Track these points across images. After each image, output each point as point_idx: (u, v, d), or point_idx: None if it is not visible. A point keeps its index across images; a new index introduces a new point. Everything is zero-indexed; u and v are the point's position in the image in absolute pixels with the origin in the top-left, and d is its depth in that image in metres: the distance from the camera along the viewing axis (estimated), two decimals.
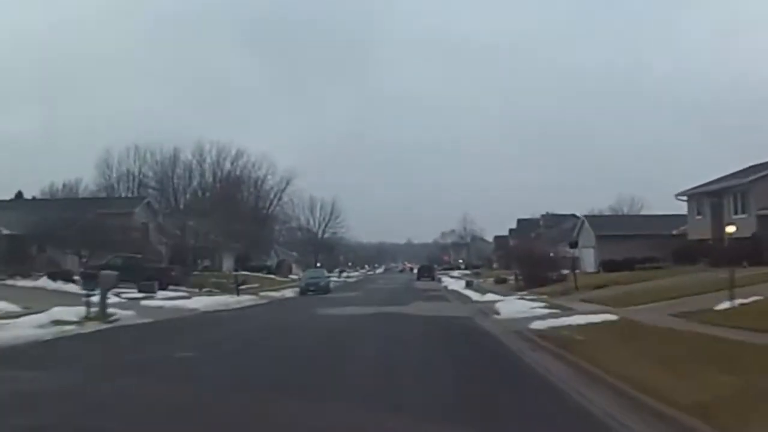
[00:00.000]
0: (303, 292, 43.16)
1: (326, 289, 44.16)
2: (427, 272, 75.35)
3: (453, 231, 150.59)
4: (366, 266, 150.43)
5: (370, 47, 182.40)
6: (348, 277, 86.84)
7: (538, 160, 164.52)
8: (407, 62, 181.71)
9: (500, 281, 49.17)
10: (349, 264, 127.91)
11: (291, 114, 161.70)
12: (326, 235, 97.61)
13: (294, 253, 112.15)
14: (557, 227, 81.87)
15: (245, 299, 34.21)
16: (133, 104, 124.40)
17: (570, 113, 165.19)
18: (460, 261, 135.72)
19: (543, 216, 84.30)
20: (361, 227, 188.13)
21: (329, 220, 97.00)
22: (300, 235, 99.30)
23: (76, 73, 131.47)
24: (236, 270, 65.30)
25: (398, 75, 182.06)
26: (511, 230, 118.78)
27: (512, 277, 44.94)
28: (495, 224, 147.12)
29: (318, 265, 70.29)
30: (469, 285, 46.42)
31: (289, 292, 44.30)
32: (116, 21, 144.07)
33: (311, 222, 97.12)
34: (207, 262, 60.90)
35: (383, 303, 30.67)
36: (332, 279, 57.08)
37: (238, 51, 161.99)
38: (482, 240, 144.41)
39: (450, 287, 49.47)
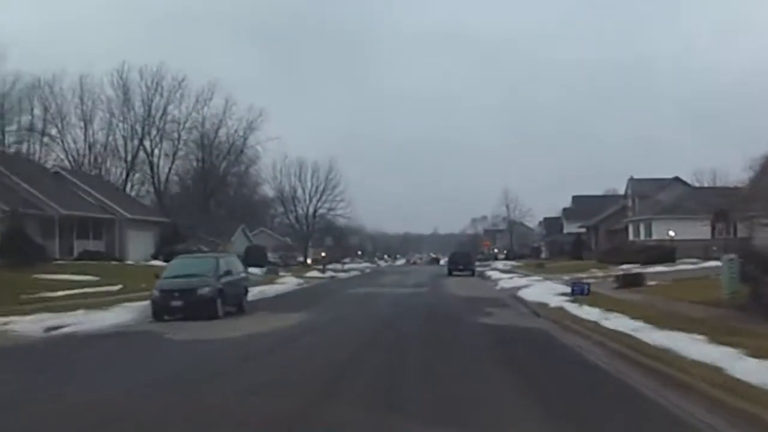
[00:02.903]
0: (157, 312, 17.63)
1: (211, 308, 17.76)
2: (462, 262, 49.17)
3: (485, 217, 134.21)
4: (386, 256, 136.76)
5: (373, 44, 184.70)
6: (347, 269, 61.60)
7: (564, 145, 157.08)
8: (417, 55, 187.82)
9: (628, 281, 23.72)
10: (359, 253, 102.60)
11: (300, 103, 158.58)
12: (321, 211, 72.45)
13: (287, 239, 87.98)
14: (650, 198, 55.71)
15: None
16: None
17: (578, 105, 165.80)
18: (495, 250, 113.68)
19: (632, 181, 58.43)
20: (385, 217, 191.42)
21: (324, 190, 71.91)
22: (285, 214, 74.78)
23: None
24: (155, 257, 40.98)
25: (408, 68, 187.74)
26: (565, 209, 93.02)
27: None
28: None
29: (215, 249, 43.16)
30: (580, 292, 19.59)
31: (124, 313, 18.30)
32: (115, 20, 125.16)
33: (300, 192, 72.19)
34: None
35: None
36: (247, 277, 22.61)
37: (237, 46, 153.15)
38: (522, 225, 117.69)
39: (525, 296, 23.76)
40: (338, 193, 71.14)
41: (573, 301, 18.04)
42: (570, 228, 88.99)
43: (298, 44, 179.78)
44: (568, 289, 20.57)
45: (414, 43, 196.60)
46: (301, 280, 37.28)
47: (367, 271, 64.32)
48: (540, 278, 33.47)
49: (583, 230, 67.82)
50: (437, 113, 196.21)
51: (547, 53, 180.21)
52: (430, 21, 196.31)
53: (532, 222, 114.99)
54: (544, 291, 23.19)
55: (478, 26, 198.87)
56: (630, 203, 59.10)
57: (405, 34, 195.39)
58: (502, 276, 40.13)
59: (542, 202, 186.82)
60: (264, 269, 48.31)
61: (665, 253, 40.51)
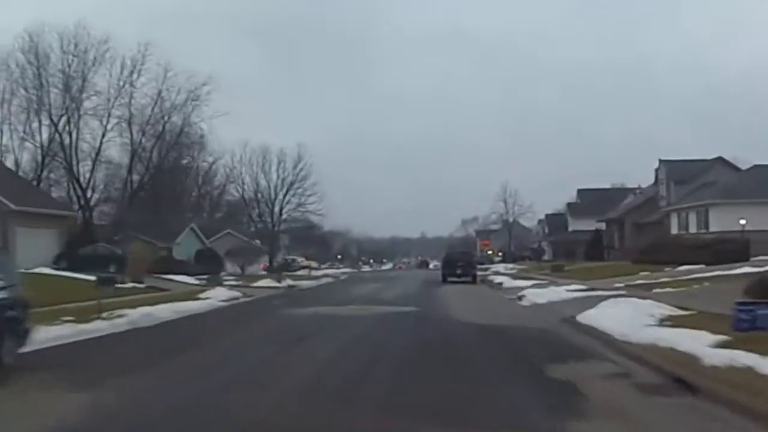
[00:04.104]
0: None
1: None
2: (461, 264, 37.10)
3: (476, 218, 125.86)
4: (371, 261, 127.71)
5: (373, 44, 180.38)
6: (316, 276, 50.20)
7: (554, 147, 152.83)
8: (408, 58, 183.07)
9: None
10: (338, 257, 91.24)
11: (291, 110, 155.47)
12: (288, 206, 60.94)
13: (257, 241, 76.51)
14: (688, 182, 44.99)
15: None
16: None
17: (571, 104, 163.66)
18: (489, 252, 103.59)
19: (665, 164, 47.62)
20: (371, 222, 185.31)
21: (293, 183, 60.38)
22: (246, 210, 63.51)
23: None
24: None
25: (405, 68, 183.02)
26: (570, 205, 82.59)
27: None
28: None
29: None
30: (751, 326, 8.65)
31: None
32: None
33: (264, 185, 60.68)
34: None
35: None
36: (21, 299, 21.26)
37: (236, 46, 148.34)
38: (518, 225, 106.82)
39: (599, 324, 12.54)
40: (309, 186, 59.94)
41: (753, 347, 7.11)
42: (577, 225, 78.49)
43: (296, 43, 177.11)
44: (663, 310, 10.85)
45: (412, 43, 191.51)
46: (238, 294, 26.18)
47: (343, 278, 53.10)
48: (581, 287, 22.51)
49: (600, 225, 56.90)
50: (431, 114, 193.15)
51: (546, 53, 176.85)
52: (429, 21, 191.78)
53: (528, 221, 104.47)
54: (627, 314, 12.22)
55: (478, 26, 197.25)
56: (663, 190, 48.38)
57: (403, 33, 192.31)
58: (516, 283, 29.07)
59: (539, 203, 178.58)
60: (207, 278, 37.18)
61: (738, 248, 29.81)
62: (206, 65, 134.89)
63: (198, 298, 23.81)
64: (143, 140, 42.06)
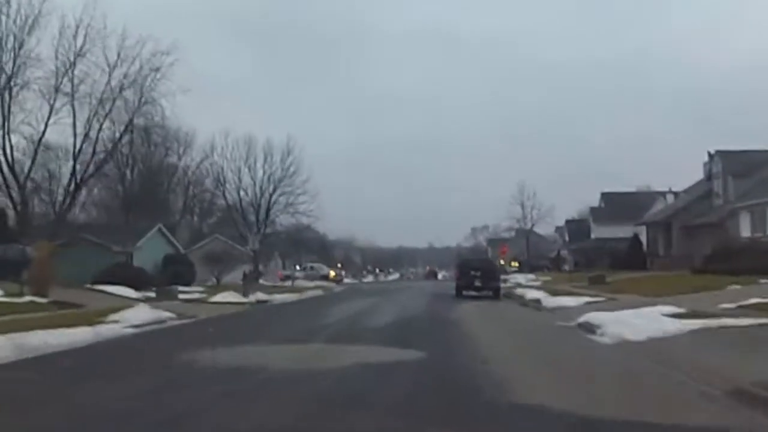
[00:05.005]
0: None
1: None
2: (482, 275, 29.41)
3: (486, 227, 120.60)
4: (377, 270, 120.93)
5: (366, 44, 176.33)
6: (299, 289, 41.96)
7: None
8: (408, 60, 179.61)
9: None
10: (339, 266, 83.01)
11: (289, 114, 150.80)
12: (277, 205, 52.67)
13: (247, 247, 68.59)
14: (748, 177, 36.99)
15: None
16: None
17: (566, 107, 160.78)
18: (501, 262, 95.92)
19: (720, 156, 39.66)
20: (378, 231, 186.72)
21: (281, 180, 52.20)
22: (228, 209, 55.69)
23: None
24: None
25: (397, 72, 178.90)
26: (594, 210, 74.89)
27: None
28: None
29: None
30: None
31: None
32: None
33: (248, 180, 52.49)
34: None
35: None
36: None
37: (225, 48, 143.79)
38: (533, 233, 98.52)
39: None
40: (299, 183, 51.92)
41: None
42: (600, 232, 70.83)
43: (281, 45, 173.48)
44: None
45: (412, 44, 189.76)
46: (167, 315, 18.28)
47: (338, 290, 45.09)
48: (676, 310, 14.52)
49: (636, 229, 48.80)
50: (433, 120, 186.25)
51: (547, 55, 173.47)
52: (429, 21, 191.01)
53: (544, 228, 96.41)
54: None
55: (469, 27, 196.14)
56: (718, 186, 40.28)
57: (390, 34, 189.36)
58: (558, 301, 20.96)
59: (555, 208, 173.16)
60: (157, 290, 29.40)
61: None
62: (186, 63, 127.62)
63: (101, 322, 15.95)
64: (94, 121, 34.24)
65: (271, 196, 52.03)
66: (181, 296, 29.72)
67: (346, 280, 68.16)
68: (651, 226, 46.78)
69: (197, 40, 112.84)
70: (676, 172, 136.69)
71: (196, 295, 29.21)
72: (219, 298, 25.94)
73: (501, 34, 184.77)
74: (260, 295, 27.99)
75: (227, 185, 53.30)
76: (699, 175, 45.72)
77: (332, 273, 57.29)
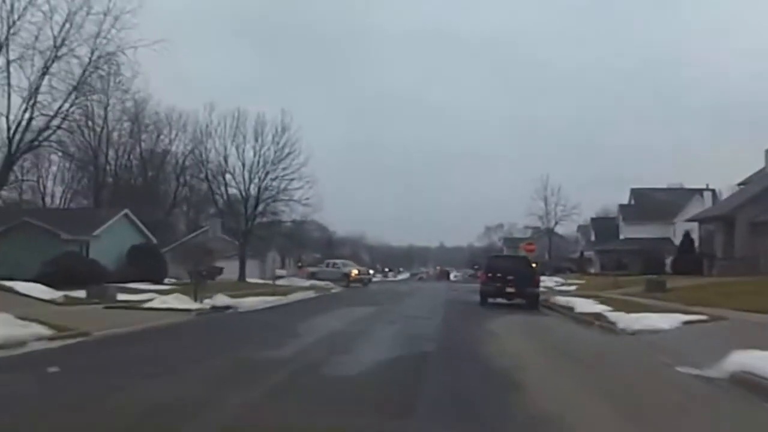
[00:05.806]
0: None
1: None
2: (515, 279, 22.60)
3: (501, 225, 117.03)
4: (386, 269, 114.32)
5: (366, 44, 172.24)
6: (296, 287, 35.04)
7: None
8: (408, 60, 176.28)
9: None
10: (335, 263, 76.51)
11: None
12: (268, 192, 45.52)
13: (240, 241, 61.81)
14: None
15: None
16: None
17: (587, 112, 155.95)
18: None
19: None
20: (389, 230, 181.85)
21: (272, 161, 45.07)
22: (211, 196, 49.01)
23: None
24: None
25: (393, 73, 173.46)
26: (623, 207, 68.13)
27: None
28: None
29: None
30: None
31: None
32: None
33: (234, 160, 45.49)
34: None
35: None
36: None
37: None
38: (554, 233, 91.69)
39: None
40: (295, 167, 44.97)
41: None
42: (630, 232, 64.28)
43: (281, 45, 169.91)
44: None
45: (412, 44, 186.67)
46: (44, 333, 11.73)
47: (335, 290, 38.20)
48: None
49: (687, 227, 41.68)
50: (444, 121, 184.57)
51: (547, 55, 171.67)
52: (428, 21, 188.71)
53: (564, 227, 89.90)
54: None
55: (469, 27, 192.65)
56: None
57: (390, 34, 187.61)
58: (647, 322, 13.86)
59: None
60: (87, 289, 22.69)
61: None
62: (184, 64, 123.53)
63: None
64: (38, 81, 27.50)
65: (261, 180, 45.09)
66: (125, 296, 23.10)
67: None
68: (704, 223, 39.60)
69: (197, 40, 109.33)
70: (708, 170, 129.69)
71: (145, 296, 22.53)
72: (158, 303, 19.14)
73: (501, 34, 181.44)
74: (221, 300, 21.13)
75: (209, 165, 46.36)
76: (741, 170, 38.95)
77: (354, 271, 49.22)
